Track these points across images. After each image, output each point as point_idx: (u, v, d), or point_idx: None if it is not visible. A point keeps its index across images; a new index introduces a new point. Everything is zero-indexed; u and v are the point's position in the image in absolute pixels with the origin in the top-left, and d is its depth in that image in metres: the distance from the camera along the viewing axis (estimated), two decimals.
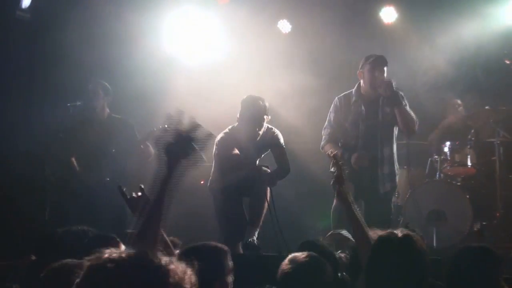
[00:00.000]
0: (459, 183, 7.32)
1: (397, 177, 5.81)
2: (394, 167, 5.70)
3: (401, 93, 5.65)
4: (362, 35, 8.21)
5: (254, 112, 5.61)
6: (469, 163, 7.38)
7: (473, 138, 7.39)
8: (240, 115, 5.69)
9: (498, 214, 7.21)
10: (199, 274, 2.68)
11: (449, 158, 7.28)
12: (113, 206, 5.96)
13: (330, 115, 5.78)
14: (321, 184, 7.45)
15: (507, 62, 7.44)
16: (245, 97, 5.78)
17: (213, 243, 3.18)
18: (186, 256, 2.78)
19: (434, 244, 6.56)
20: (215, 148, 5.80)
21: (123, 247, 3.46)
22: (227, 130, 5.85)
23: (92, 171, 6.21)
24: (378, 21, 8.36)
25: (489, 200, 7.44)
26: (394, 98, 5.47)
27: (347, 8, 8.27)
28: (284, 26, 8.57)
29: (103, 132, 6.27)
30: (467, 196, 7.02)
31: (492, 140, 7.40)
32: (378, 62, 5.58)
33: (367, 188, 5.53)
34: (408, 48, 8.32)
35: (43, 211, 6.44)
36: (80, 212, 6.14)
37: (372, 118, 5.56)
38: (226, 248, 3.11)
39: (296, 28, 8.59)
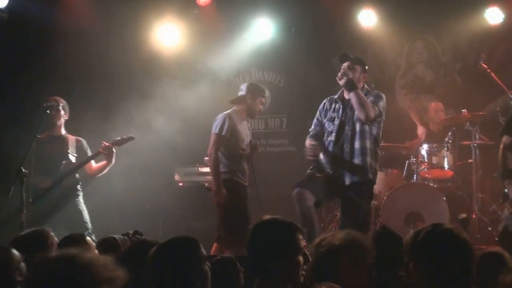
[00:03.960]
0: (436, 185, 7.43)
1: (370, 170, 5.78)
2: (366, 158, 5.71)
3: (374, 92, 5.76)
4: (341, 38, 8.43)
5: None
6: (446, 166, 7.47)
7: (450, 141, 7.51)
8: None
9: (474, 216, 7.29)
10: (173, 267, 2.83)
11: (426, 161, 7.38)
12: (70, 211, 6.39)
13: (317, 114, 5.97)
14: None
15: (484, 66, 7.50)
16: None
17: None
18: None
19: None
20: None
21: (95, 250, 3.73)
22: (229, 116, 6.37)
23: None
24: (357, 24, 8.53)
25: (465, 202, 7.56)
26: (347, 84, 5.61)
27: (326, 11, 8.45)
28: (265, 28, 8.78)
29: (61, 147, 6.57)
30: (444, 198, 7.10)
31: (469, 143, 7.51)
32: (340, 60, 5.77)
33: (337, 180, 5.63)
34: (387, 52, 8.55)
35: (20, 212, 6.49)
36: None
37: (345, 115, 5.74)
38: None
39: (276, 31, 8.82)
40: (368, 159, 5.67)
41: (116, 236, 4.12)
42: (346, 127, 5.70)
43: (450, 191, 7.50)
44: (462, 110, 7.69)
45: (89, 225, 6.48)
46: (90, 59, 7.83)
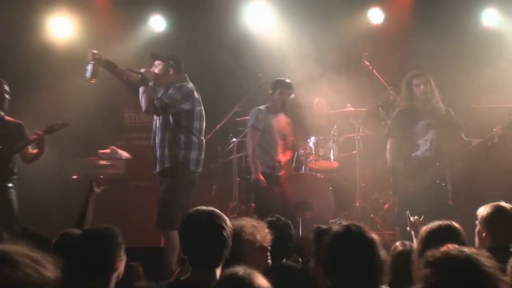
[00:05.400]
0: (322, 176, 7.73)
1: (169, 160, 6.13)
2: (164, 150, 6.13)
3: (177, 85, 6.08)
4: (228, 34, 8.79)
5: None
6: (332, 157, 7.83)
7: (336, 134, 7.87)
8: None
9: (357, 204, 7.76)
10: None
11: (313, 152, 7.73)
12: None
13: None
14: None
15: (366, 63, 7.92)
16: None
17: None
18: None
19: (300, 233, 6.95)
20: None
21: None
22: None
23: None
24: (248, 21, 8.87)
25: (349, 191, 7.94)
26: (139, 80, 6.08)
27: (216, 6, 8.79)
28: (158, 22, 9.06)
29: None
30: (330, 188, 7.44)
31: (353, 135, 7.95)
32: (152, 57, 6.33)
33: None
34: (277, 49, 8.80)
35: None
36: None
37: None
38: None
39: (168, 25, 9.10)
40: (166, 150, 6.12)
41: None
42: (157, 121, 6.26)
43: (335, 181, 7.84)
44: (347, 105, 8.10)
45: (15, 218, 6.37)
46: None
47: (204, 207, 3.29)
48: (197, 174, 6.31)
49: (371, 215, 7.77)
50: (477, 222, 4.28)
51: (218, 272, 3.21)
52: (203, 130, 6.38)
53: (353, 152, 7.97)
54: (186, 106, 6.10)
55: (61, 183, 8.28)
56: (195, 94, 6.25)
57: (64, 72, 8.17)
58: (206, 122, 7.36)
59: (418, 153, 6.58)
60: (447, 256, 2.47)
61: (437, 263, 2.47)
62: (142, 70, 6.12)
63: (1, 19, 8.13)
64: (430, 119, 6.58)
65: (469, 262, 2.42)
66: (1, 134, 6.44)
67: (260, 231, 3.78)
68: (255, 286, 2.56)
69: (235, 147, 8.44)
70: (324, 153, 7.78)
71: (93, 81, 6.07)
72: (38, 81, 8.35)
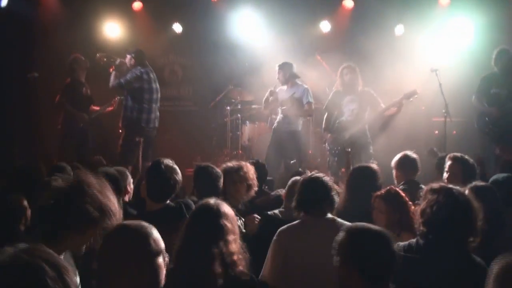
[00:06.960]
0: None
1: (124, 119, 8.19)
2: (125, 113, 8.23)
3: (133, 69, 8.00)
4: (225, 36, 10.42)
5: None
6: None
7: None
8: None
9: (310, 152, 9.99)
10: None
11: None
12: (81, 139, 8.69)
13: None
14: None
15: (318, 57, 10.04)
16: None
17: None
18: None
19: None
20: None
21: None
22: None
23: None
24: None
25: (306, 143, 9.69)
26: (116, 67, 8.25)
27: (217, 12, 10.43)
28: (177, 27, 10.95)
29: (87, 90, 8.90)
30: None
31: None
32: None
33: None
34: (257, 45, 10.35)
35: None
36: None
37: None
38: None
39: (185, 29, 10.85)
40: (125, 113, 8.16)
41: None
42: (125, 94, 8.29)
43: None
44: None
45: (88, 149, 8.44)
46: (61, 45, 9.68)
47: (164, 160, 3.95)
48: (149, 129, 8.13)
49: (319, 159, 10.01)
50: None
51: (167, 202, 3.82)
52: (154, 99, 8.09)
53: (308, 118, 9.88)
54: (136, 84, 7.94)
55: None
56: (145, 76, 7.97)
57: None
58: (211, 95, 9.88)
59: (343, 118, 7.93)
60: (446, 187, 2.89)
61: (440, 190, 2.85)
62: (118, 61, 8.07)
63: (71, 26, 9.86)
64: (353, 95, 7.88)
65: (460, 192, 2.88)
66: (88, 93, 8.74)
67: (245, 171, 4.48)
68: (221, 211, 2.87)
69: (228, 113, 10.33)
70: None
71: (111, 70, 8.16)
72: (95, 68, 9.47)
